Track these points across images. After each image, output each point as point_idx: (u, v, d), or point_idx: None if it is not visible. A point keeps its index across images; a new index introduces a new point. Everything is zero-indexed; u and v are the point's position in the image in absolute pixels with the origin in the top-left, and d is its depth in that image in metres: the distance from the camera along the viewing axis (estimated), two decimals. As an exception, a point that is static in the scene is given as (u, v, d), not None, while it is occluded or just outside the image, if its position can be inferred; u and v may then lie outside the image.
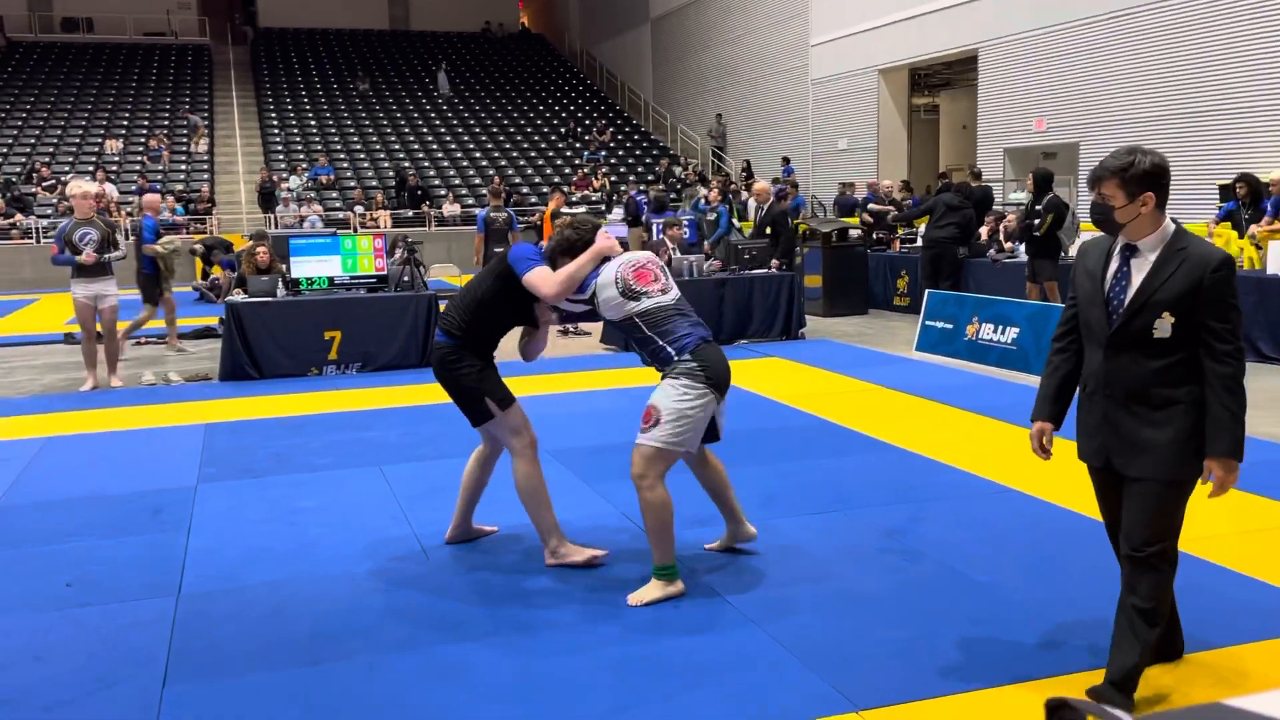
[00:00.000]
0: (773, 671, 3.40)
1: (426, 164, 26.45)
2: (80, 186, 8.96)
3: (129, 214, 21.43)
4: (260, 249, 10.28)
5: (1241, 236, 10.69)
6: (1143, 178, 2.96)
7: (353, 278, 9.55)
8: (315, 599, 4.13)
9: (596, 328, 11.18)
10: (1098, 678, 3.17)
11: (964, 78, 21.08)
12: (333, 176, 24.97)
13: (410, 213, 23.48)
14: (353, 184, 24.86)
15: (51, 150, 24.78)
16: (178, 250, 10.80)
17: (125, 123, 26.50)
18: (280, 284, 9.38)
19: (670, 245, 11.46)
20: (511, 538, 4.81)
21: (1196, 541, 4.44)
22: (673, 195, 19.09)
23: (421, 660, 3.55)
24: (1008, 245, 12.46)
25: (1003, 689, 3.26)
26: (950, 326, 9.68)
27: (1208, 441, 2.96)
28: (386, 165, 26.12)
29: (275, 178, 23.83)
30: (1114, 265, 3.08)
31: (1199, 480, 3.04)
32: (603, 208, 21.89)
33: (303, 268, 9.41)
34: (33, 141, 25.02)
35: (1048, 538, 4.59)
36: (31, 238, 20.87)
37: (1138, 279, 3.01)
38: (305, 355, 9.22)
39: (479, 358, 4.34)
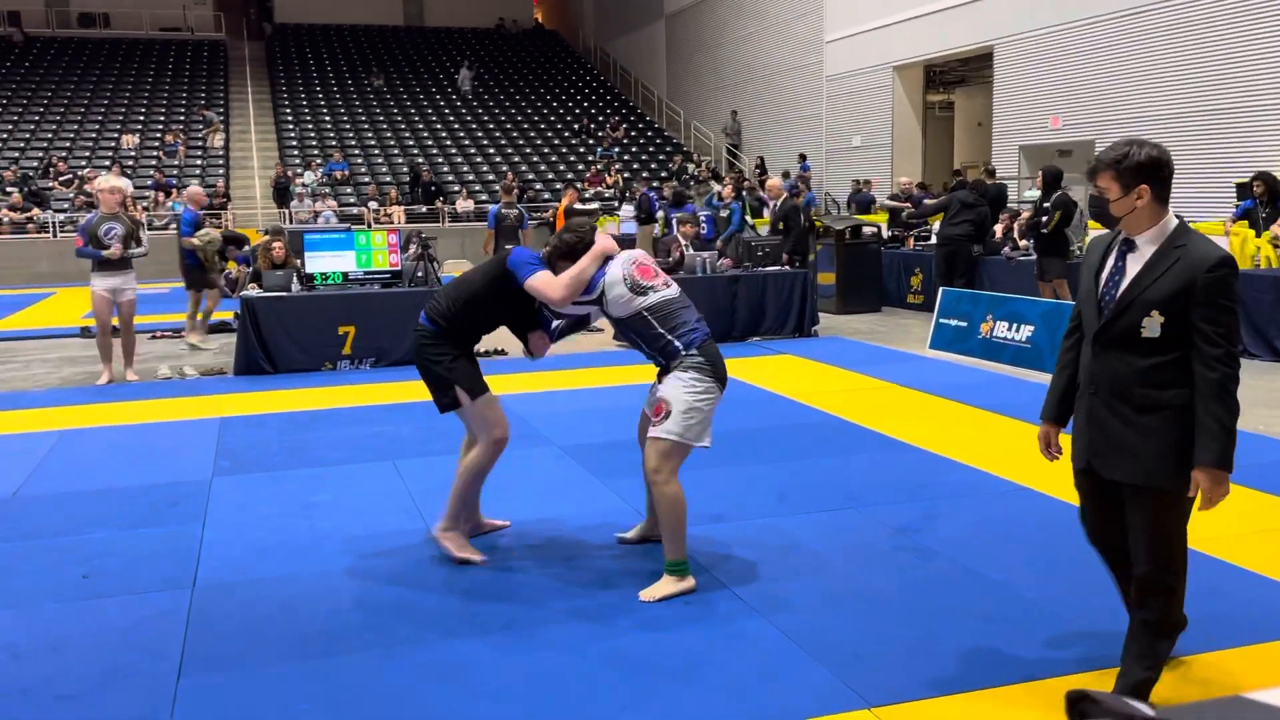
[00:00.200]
0: (784, 668, 3.40)
1: (440, 160, 26.50)
2: (108, 181, 9.04)
3: (145, 209, 21.56)
4: (276, 244, 10.31)
5: (1259, 235, 10.62)
6: (1138, 170, 2.89)
7: (367, 273, 9.59)
8: (328, 592, 4.15)
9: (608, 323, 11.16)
10: (1111, 676, 3.16)
11: (979, 75, 20.99)
12: (347, 172, 25.04)
13: (424, 208, 23.54)
14: (367, 179, 24.93)
15: (68, 145, 24.92)
16: (214, 242, 10.90)
17: (141, 118, 26.63)
18: (295, 279, 9.42)
19: (683, 242, 11.46)
20: (523, 534, 4.82)
21: (1212, 541, 4.42)
22: (689, 192, 19.06)
23: (433, 655, 3.57)
24: (1022, 243, 12.41)
25: (1015, 687, 3.25)
26: (964, 324, 9.66)
27: (1195, 451, 2.84)
28: (400, 161, 26.18)
29: (290, 173, 23.91)
30: (1111, 260, 3.01)
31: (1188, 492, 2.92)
32: (615, 204, 21.89)
33: (317, 263, 9.44)
34: (49, 136, 25.17)
35: (1061, 536, 4.58)
36: (48, 232, 20.99)
37: (1132, 275, 2.94)
38: (319, 350, 9.26)
39: (456, 347, 4.35)
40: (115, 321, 8.91)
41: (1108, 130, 15.74)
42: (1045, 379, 3.28)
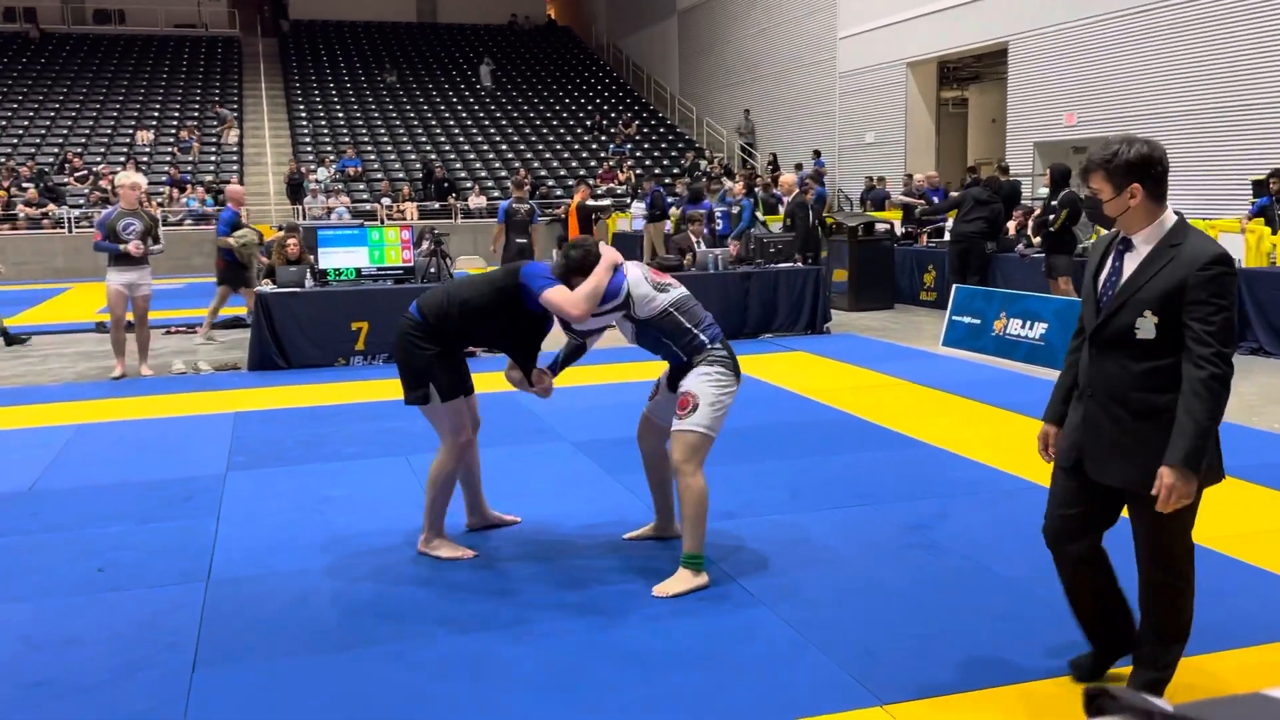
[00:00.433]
0: (796, 665, 3.40)
1: (453, 156, 26.54)
2: (128, 177, 9.14)
3: (159, 204, 21.65)
4: (291, 240, 10.35)
5: (1275, 233, 10.55)
6: (1128, 168, 2.82)
7: (380, 269, 9.61)
8: (342, 586, 4.17)
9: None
10: (1124, 673, 3.15)
11: (994, 71, 20.90)
12: (360, 169, 25.10)
13: (436, 205, 23.58)
14: (380, 176, 24.99)
15: (83, 141, 25.05)
16: (250, 242, 10.97)
17: (156, 114, 26.74)
18: (308, 275, 9.45)
19: (693, 239, 11.46)
20: (537, 529, 4.83)
21: (1228, 540, 4.40)
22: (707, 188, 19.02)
23: (447, 649, 3.58)
24: (1035, 240, 12.36)
25: (1028, 685, 3.24)
26: (977, 321, 9.62)
27: (1167, 448, 2.75)
28: (413, 157, 26.23)
29: (303, 169, 23.99)
30: (1109, 261, 2.96)
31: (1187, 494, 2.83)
32: (628, 201, 21.88)
33: (330, 259, 9.47)
34: (65, 132, 25.30)
35: (1075, 534, 4.56)
36: (64, 227, 21.10)
37: (1128, 275, 2.88)
38: (333, 346, 9.30)
39: (439, 345, 4.30)
40: (130, 316, 8.97)
41: (1123, 127, 15.65)
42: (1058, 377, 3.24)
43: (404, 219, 21.91)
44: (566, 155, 27.24)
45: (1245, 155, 13.97)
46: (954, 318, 9.93)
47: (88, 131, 25.50)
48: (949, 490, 5.32)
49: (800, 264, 11.17)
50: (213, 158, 25.18)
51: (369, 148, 26.49)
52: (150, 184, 22.30)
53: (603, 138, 28.28)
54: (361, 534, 4.79)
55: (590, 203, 15.45)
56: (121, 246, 8.60)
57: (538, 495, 5.33)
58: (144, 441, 6.67)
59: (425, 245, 11.08)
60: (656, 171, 25.81)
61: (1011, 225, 12.85)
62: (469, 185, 24.69)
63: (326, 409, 7.58)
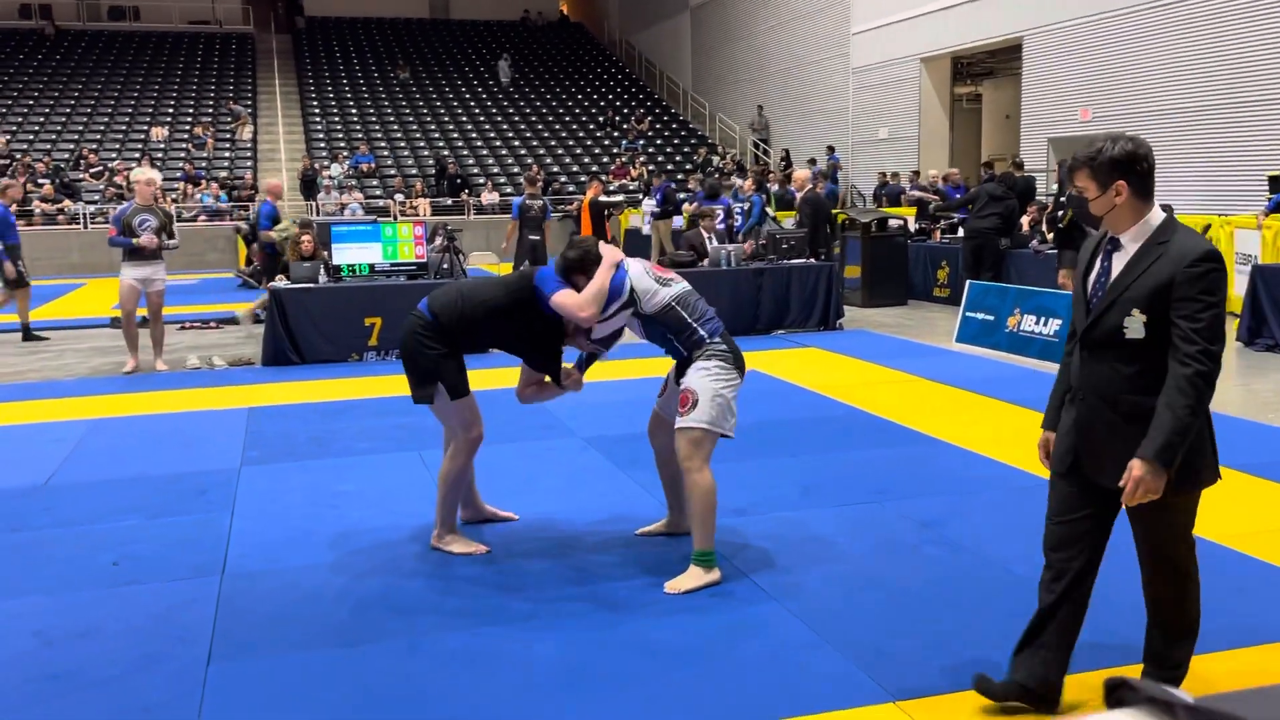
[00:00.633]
0: (809, 661, 3.40)
1: (466, 152, 26.57)
2: (144, 173, 9.21)
3: (174, 200, 21.74)
4: (305, 236, 10.39)
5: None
6: (1111, 166, 2.77)
7: (393, 265, 9.64)
8: (355, 581, 4.19)
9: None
10: (1136, 672, 3.14)
11: (1007, 67, 20.79)
12: (373, 165, 25.15)
13: (449, 201, 23.62)
14: (393, 172, 25.03)
15: (98, 137, 25.17)
16: (291, 235, 11.05)
17: (170, 110, 26.85)
18: (322, 270, 9.48)
19: (705, 235, 11.44)
20: (545, 524, 4.84)
21: (1241, 538, 4.38)
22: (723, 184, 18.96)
23: (460, 644, 3.59)
24: (1049, 235, 12.30)
25: (1041, 682, 3.23)
26: (991, 318, 9.59)
27: (1144, 440, 2.71)
28: (426, 153, 26.27)
29: (317, 165, 24.05)
30: (1098, 261, 2.92)
31: (1184, 494, 2.82)
32: (640, 197, 21.87)
33: (344, 255, 9.50)
34: (80, 128, 25.43)
35: (1088, 532, 4.54)
36: (79, 223, 21.21)
37: (1115, 274, 2.84)
38: (346, 341, 9.33)
39: (448, 344, 4.31)
40: (143, 311, 9.02)
41: (1138, 122, 15.56)
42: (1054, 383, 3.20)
43: (417, 215, 21.95)
44: (579, 151, 27.23)
45: (1262, 151, 13.87)
46: (967, 314, 9.90)
47: (103, 128, 25.62)
48: (962, 487, 5.31)
49: (813, 260, 11.14)
50: (227, 154, 25.26)
51: (382, 144, 26.54)
52: (165, 180, 22.39)
53: (615, 134, 28.27)
54: (374, 529, 4.80)
55: (603, 199, 15.46)
56: (134, 240, 8.65)
57: (549, 491, 5.34)
58: (159, 436, 6.70)
59: (438, 241, 11.10)
60: (669, 168, 25.77)
61: (1025, 221, 12.80)
62: (481, 181, 24.71)
63: (340, 404, 7.61)
